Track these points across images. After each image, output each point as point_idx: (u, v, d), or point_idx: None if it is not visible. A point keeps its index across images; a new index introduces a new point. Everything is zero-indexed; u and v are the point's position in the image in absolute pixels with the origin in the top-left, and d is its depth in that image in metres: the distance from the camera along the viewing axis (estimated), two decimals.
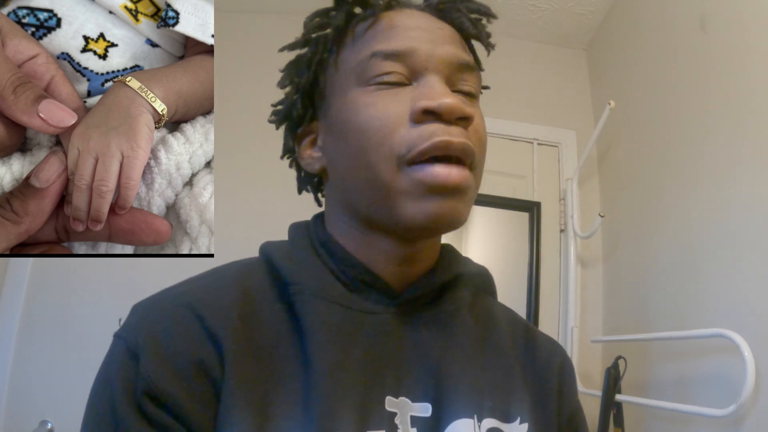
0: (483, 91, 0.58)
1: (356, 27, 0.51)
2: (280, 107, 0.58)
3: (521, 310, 1.70)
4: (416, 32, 0.49)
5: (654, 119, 1.49)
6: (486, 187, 1.82)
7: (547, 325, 1.70)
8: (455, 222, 0.46)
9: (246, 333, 0.44)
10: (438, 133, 0.44)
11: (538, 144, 1.93)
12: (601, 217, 1.52)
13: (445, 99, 0.45)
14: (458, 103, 0.45)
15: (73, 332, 1.61)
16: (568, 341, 1.63)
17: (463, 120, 0.46)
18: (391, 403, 0.44)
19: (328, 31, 0.53)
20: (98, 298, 1.63)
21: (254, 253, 0.54)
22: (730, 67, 1.16)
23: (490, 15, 0.56)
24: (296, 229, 0.55)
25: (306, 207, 0.63)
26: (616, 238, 1.66)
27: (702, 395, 1.10)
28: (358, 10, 0.52)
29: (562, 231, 1.81)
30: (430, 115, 0.45)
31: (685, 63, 1.35)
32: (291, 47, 0.54)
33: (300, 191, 0.61)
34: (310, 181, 0.60)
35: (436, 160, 0.45)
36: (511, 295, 1.75)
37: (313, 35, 0.53)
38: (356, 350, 0.45)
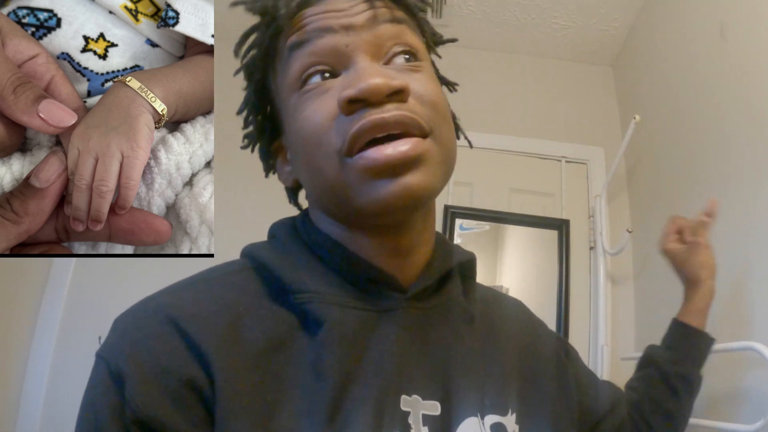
0: (445, 44, 0.57)
1: (280, 41, 0.49)
2: (249, 129, 0.57)
3: (551, 328, 1.69)
4: (328, 15, 0.46)
5: (681, 132, 1.48)
6: (515, 206, 1.86)
7: (577, 344, 1.65)
8: (413, 198, 0.43)
9: (237, 341, 0.41)
10: (366, 115, 0.42)
11: (567, 162, 1.93)
12: (629, 232, 1.51)
13: (365, 82, 0.42)
14: (380, 81, 0.42)
15: None
16: (598, 359, 1.62)
17: (396, 95, 0.43)
18: (405, 402, 0.43)
19: (255, 52, 0.51)
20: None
21: None
22: (752, 75, 1.15)
23: None
24: (284, 229, 0.53)
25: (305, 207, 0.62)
26: (646, 254, 1.65)
27: (729, 410, 1.07)
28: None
29: (591, 248, 1.80)
30: (356, 103, 0.43)
31: (709, 73, 1.34)
32: (236, 72, 0.54)
33: (290, 201, 0.61)
34: (293, 195, 0.59)
35: (378, 143, 0.42)
36: (540, 313, 1.72)
37: (245, 59, 0.52)
38: (373, 353, 0.44)
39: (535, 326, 0.61)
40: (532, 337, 0.59)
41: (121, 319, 0.43)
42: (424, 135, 0.44)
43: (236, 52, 0.52)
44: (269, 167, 0.58)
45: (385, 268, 0.48)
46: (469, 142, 0.60)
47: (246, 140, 0.57)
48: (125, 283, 1.71)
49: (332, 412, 0.40)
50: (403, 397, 0.43)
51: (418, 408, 0.43)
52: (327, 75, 0.46)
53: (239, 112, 0.56)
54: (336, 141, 0.43)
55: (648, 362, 0.86)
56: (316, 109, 0.45)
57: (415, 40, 0.49)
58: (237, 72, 0.53)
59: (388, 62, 0.47)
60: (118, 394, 0.38)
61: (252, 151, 0.58)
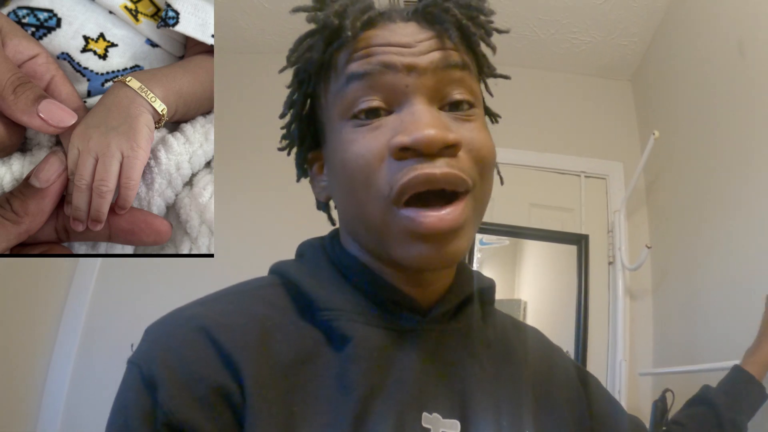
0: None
1: (337, 55, 0.48)
2: (288, 131, 0.57)
3: (569, 343, 1.70)
4: (392, 50, 0.46)
5: (700, 147, 1.47)
6: (534, 221, 1.88)
7: (595, 358, 1.69)
8: (450, 262, 0.46)
9: (266, 352, 0.42)
10: (417, 168, 0.42)
11: (586, 177, 1.94)
12: (648, 248, 1.49)
13: (421, 132, 0.42)
14: (437, 133, 0.42)
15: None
16: (616, 374, 1.61)
17: (448, 148, 0.43)
18: (426, 419, 0.43)
19: (311, 59, 0.50)
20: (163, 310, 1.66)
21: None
22: None
23: (482, 12, 0.51)
24: (313, 249, 0.54)
25: (305, 210, 0.62)
26: (664, 269, 1.63)
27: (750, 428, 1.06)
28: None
29: (610, 263, 1.80)
30: (408, 151, 0.43)
31: (728, 88, 1.33)
32: (282, 70, 0.52)
33: (319, 209, 0.60)
34: (325, 206, 0.59)
35: (422, 197, 0.43)
36: (559, 328, 1.76)
37: (298, 66, 0.51)
38: (395, 370, 0.45)
39: (551, 353, 0.62)
40: (548, 363, 0.59)
41: (153, 327, 0.44)
42: (467, 191, 0.45)
43: (289, 59, 0.51)
44: (303, 173, 0.58)
45: (408, 292, 0.50)
46: (500, 178, 0.60)
47: (284, 142, 0.57)
48: (149, 286, 1.74)
49: (356, 426, 0.40)
50: (424, 414, 0.44)
51: (439, 426, 0.44)
52: (378, 108, 0.46)
53: (282, 116, 0.55)
54: (384, 187, 0.44)
55: (702, 402, 0.85)
56: (367, 147, 0.45)
57: (474, 86, 0.49)
58: (282, 70, 0.52)
59: (443, 107, 0.47)
60: (150, 399, 0.39)
61: (288, 154, 0.58)
